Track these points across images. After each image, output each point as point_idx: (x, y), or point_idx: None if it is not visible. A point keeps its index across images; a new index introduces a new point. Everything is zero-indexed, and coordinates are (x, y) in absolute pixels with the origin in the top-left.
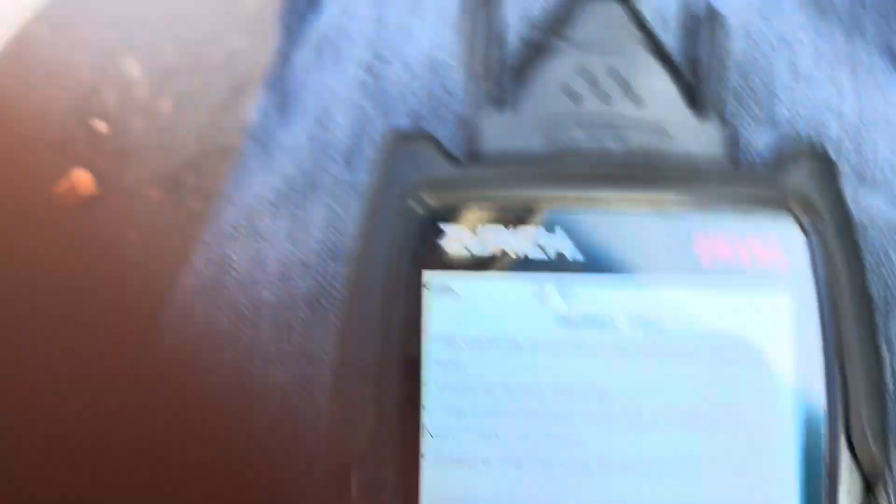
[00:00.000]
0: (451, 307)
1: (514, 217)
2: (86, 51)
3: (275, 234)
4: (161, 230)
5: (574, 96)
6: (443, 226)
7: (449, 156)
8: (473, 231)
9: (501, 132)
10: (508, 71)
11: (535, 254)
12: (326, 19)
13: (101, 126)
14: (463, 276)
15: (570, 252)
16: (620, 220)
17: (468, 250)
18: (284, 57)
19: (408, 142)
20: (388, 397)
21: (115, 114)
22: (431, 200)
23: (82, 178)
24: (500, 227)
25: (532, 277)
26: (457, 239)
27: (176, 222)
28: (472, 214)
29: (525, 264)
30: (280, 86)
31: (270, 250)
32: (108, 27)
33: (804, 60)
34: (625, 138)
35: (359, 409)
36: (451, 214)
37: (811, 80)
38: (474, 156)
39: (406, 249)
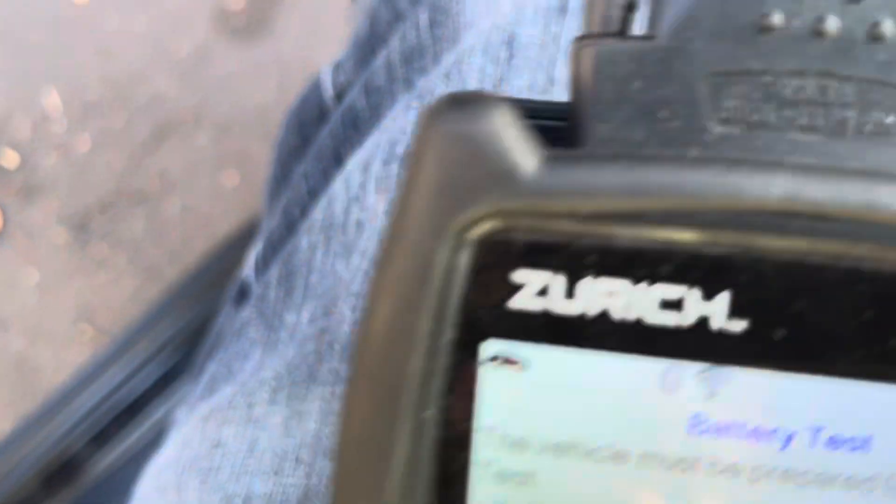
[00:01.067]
0: (521, 394)
1: (641, 260)
2: (2, 74)
3: (271, 421)
4: (63, 274)
5: (760, 24)
6: (515, 271)
7: (539, 138)
8: (568, 279)
9: (618, 79)
10: None
11: (668, 323)
12: (339, 205)
13: (10, 157)
14: (545, 349)
15: (727, 324)
16: (814, 278)
17: (555, 310)
18: (291, 228)
19: (462, 109)
20: None
21: (28, 146)
22: (499, 225)
23: None
24: (615, 276)
25: (658, 357)
26: (538, 290)
27: (79, 268)
28: (570, 250)
29: (649, 337)
30: (287, 259)
31: (265, 438)
32: (31, 53)
33: None
34: (850, 106)
35: None
36: (530, 250)
37: None
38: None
39: (452, 305)
